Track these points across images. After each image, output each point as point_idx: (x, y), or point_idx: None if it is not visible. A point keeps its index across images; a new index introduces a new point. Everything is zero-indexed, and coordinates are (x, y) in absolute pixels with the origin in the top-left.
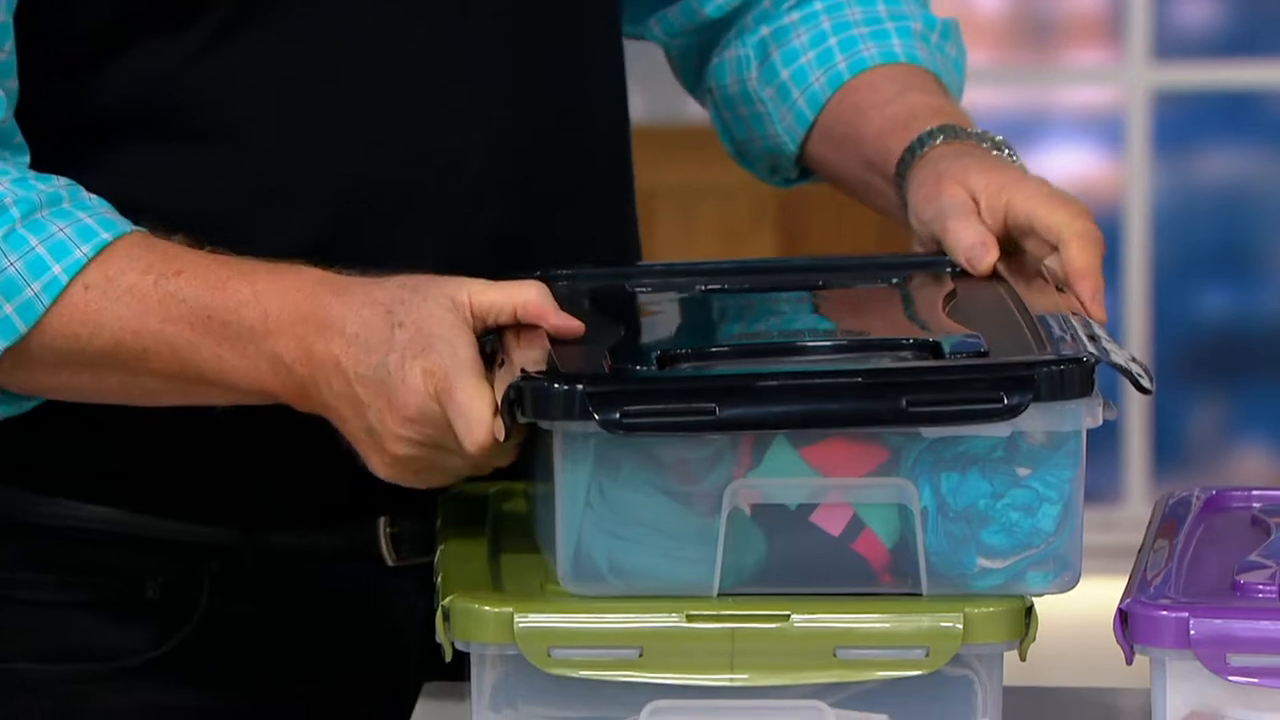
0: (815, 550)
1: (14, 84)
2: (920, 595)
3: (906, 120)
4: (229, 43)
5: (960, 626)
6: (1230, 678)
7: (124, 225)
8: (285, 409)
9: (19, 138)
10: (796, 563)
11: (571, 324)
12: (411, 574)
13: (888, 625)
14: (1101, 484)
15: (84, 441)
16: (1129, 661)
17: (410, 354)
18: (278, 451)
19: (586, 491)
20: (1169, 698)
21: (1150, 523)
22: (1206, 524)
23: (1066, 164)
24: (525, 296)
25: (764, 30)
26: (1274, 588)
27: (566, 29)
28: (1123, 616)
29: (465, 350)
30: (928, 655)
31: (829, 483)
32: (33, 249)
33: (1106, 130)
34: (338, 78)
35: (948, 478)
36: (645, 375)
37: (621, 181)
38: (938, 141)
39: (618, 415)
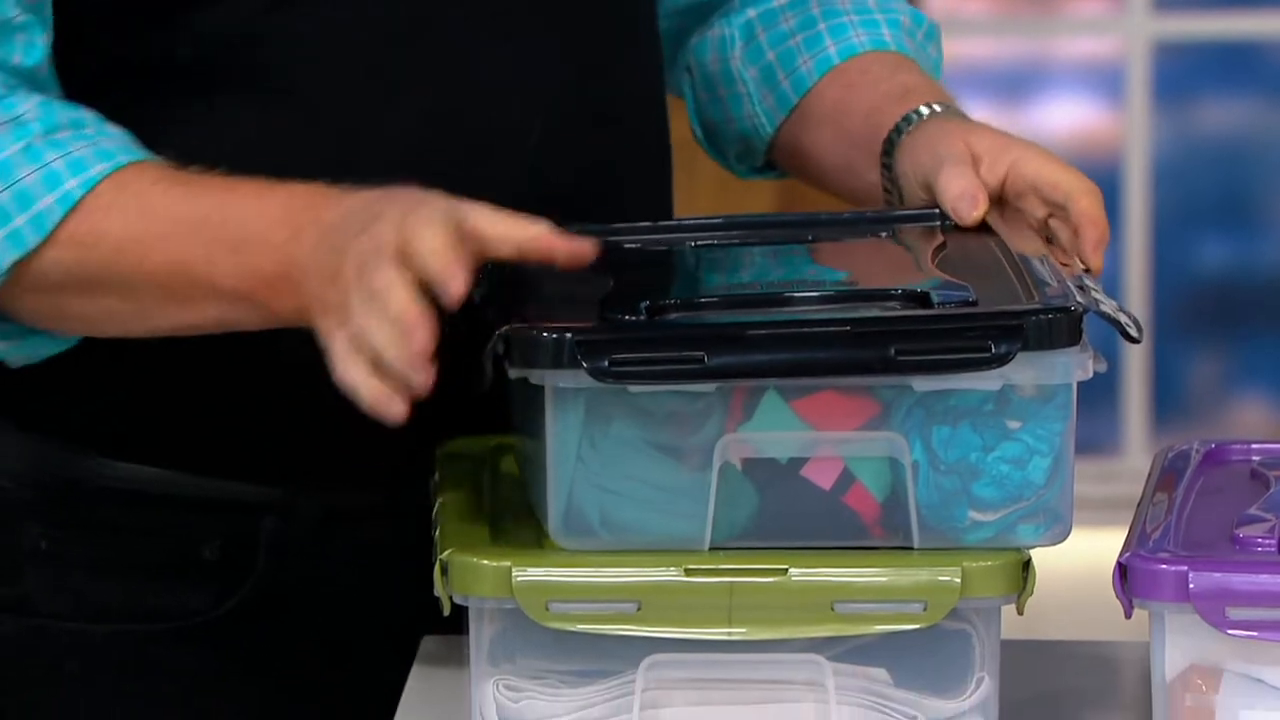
0: (806, 504)
1: (48, 37)
2: (913, 549)
3: (901, 95)
4: (297, 4)
5: (958, 580)
6: (1229, 631)
7: (144, 153)
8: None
9: (57, 91)
10: (788, 516)
11: (584, 246)
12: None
13: (885, 579)
14: (1101, 436)
15: (138, 403)
16: (1128, 615)
17: (396, 209)
18: (331, 410)
19: (577, 445)
20: (1168, 651)
21: (1149, 476)
22: (1205, 477)
23: (1066, 115)
24: (535, 231)
25: (751, 12)
26: (1273, 541)
27: (621, 13)
28: (1122, 570)
29: (442, 233)
30: (925, 609)
31: (820, 436)
32: (49, 164)
33: (1106, 81)
34: (406, 45)
35: (939, 431)
36: (634, 324)
37: (664, 162)
38: (937, 111)
39: (606, 363)
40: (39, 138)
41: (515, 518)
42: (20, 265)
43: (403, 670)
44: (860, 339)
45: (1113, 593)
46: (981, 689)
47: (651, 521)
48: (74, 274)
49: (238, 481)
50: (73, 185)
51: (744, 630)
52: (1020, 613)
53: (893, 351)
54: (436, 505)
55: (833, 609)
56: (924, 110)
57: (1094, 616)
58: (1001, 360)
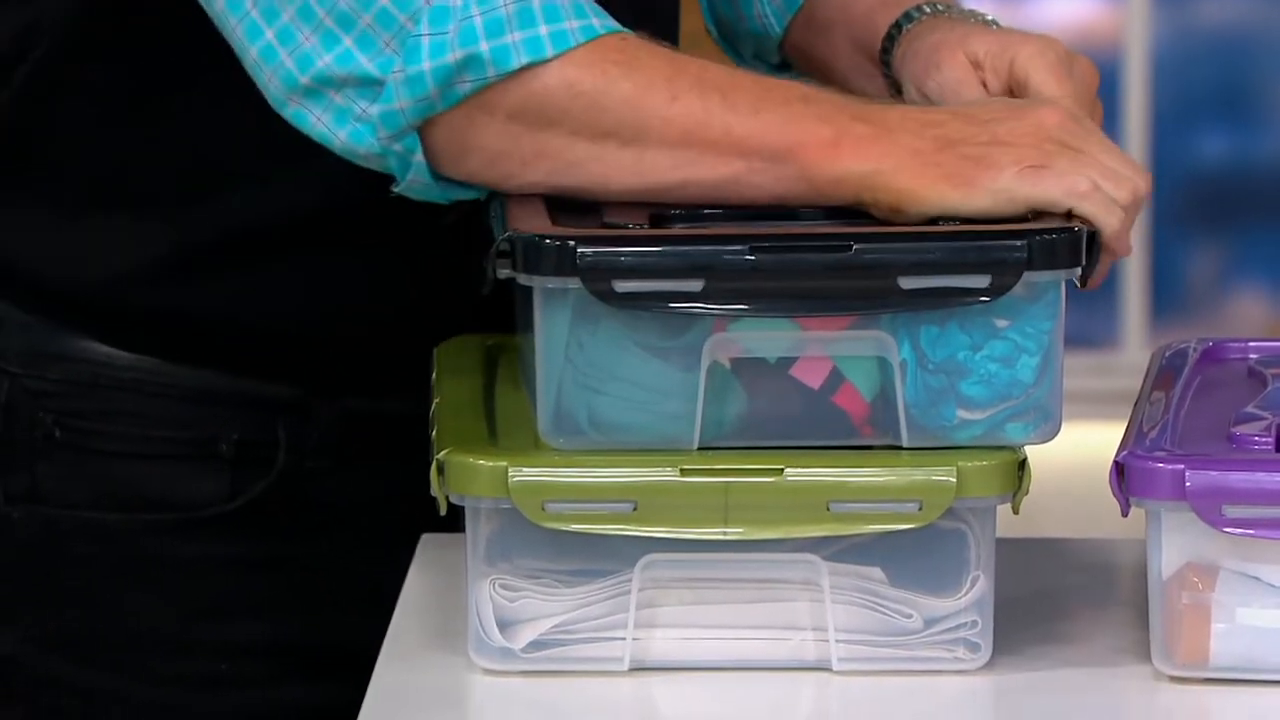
0: (795, 403)
1: None
2: (903, 449)
3: (890, 5)
4: None
5: (953, 480)
6: (1225, 529)
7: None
8: (368, 279)
9: None
10: (776, 416)
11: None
12: None
13: (881, 479)
14: (1099, 330)
15: (157, 300)
16: (1125, 514)
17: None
18: (352, 315)
19: (565, 346)
20: (1164, 550)
21: (1147, 374)
22: (1203, 376)
23: (1066, 8)
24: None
25: None
26: (1270, 439)
27: None
28: (1119, 469)
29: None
30: (920, 509)
31: (808, 336)
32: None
33: None
34: None
35: (926, 330)
36: (633, 238)
37: None
38: (924, 15)
39: (609, 286)
40: None
41: (512, 418)
42: (525, 78)
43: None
44: (864, 272)
45: (1110, 487)
46: (976, 588)
47: (639, 422)
48: (575, 106)
49: (256, 380)
50: (598, 24)
51: (740, 530)
52: (1015, 512)
53: (897, 283)
54: (434, 404)
55: (828, 509)
56: (916, 13)
57: (1091, 511)
58: (1001, 291)
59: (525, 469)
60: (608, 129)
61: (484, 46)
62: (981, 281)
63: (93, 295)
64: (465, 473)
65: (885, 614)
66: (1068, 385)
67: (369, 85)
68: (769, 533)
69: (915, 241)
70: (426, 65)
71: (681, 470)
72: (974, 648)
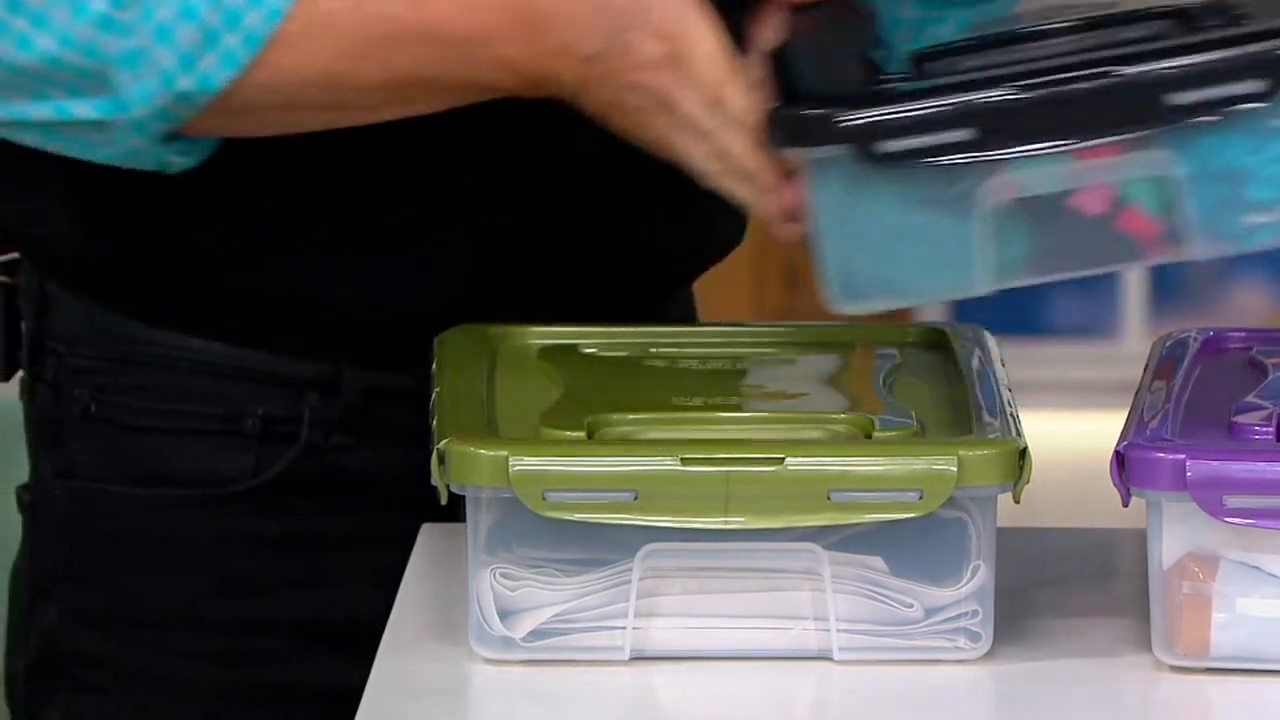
0: (1080, 233)
1: None
2: (924, 432)
3: None
4: None
5: (954, 469)
6: (1226, 519)
7: None
8: (388, 253)
9: None
10: (1062, 250)
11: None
12: None
13: (881, 468)
14: (1099, 319)
15: (186, 274)
16: (1125, 504)
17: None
18: (375, 290)
19: (840, 212)
20: (1165, 540)
21: (1147, 364)
22: (1203, 365)
23: None
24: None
25: None
26: (1270, 428)
27: None
28: (1119, 459)
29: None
30: (921, 498)
31: (1085, 165)
32: None
33: None
34: None
35: (1204, 142)
36: (898, 95)
37: None
38: None
39: (877, 148)
40: None
41: (514, 407)
42: (231, 86)
43: None
44: (1135, 92)
45: (1110, 477)
46: (977, 577)
47: (924, 276)
48: (272, 100)
49: (282, 355)
50: (275, 3)
51: (741, 519)
52: (1017, 501)
53: (1168, 100)
54: (434, 393)
55: (829, 498)
56: None
57: (1092, 501)
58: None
59: (526, 458)
60: (356, 54)
61: (185, 83)
62: (1258, 86)
63: (131, 272)
64: (465, 462)
65: (886, 603)
66: (1067, 376)
67: (93, 127)
68: (770, 522)
69: (1183, 55)
70: (139, 112)
71: (682, 459)
72: (975, 637)
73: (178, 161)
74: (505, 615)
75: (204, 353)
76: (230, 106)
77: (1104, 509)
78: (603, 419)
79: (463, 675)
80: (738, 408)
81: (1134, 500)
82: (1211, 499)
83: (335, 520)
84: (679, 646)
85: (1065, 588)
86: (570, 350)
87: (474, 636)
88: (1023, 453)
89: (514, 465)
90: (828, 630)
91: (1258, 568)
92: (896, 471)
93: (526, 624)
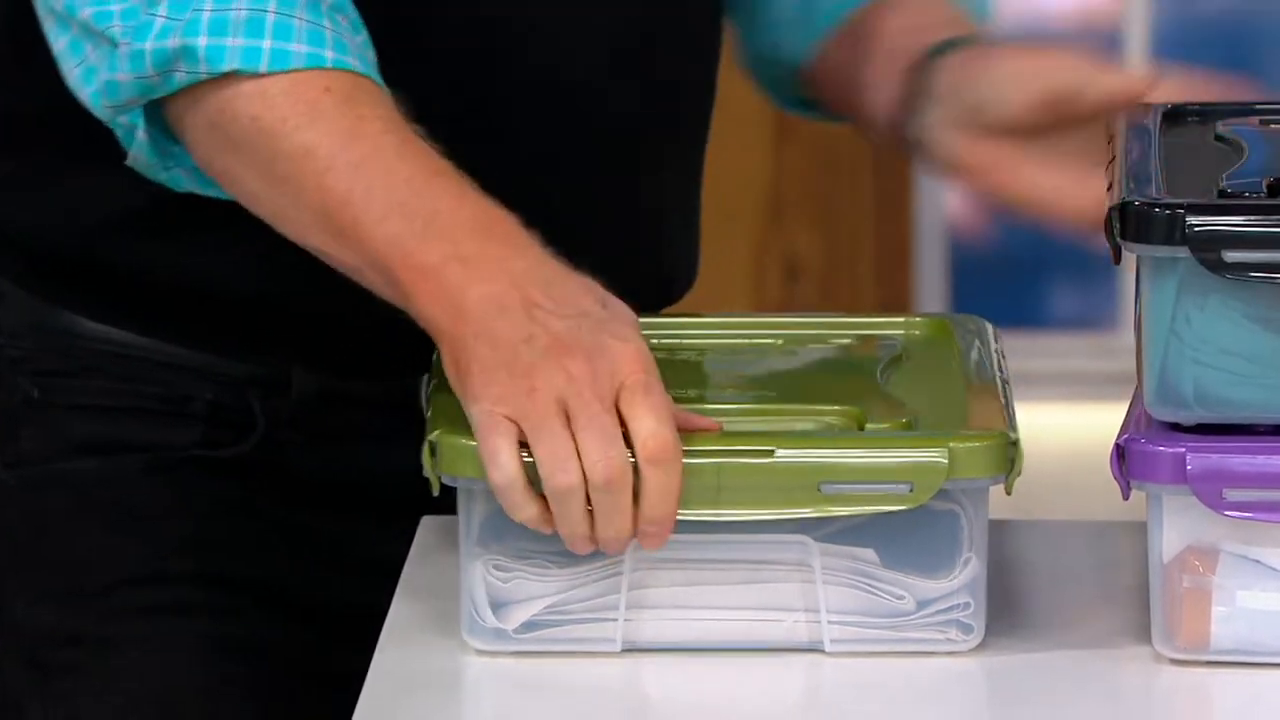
0: None
1: None
2: (916, 424)
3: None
4: None
5: (945, 461)
6: (1226, 512)
7: (372, 72)
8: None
9: None
10: None
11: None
12: None
13: (871, 460)
14: (1098, 312)
15: (130, 273)
16: (1126, 497)
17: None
18: (324, 291)
19: (1172, 318)
20: (1165, 533)
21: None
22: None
23: None
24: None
25: None
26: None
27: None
28: (1119, 452)
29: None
30: (911, 490)
31: None
32: (320, 25)
33: None
34: None
35: None
36: (1249, 207)
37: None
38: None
39: (1219, 256)
40: (326, 3)
41: None
42: (228, 89)
43: (393, 545)
44: None
45: (1110, 470)
46: (969, 569)
47: (1246, 396)
48: (256, 141)
49: (226, 356)
50: (330, 56)
51: (731, 510)
52: (1009, 493)
53: None
54: (431, 384)
55: (819, 490)
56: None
57: (1091, 494)
58: None
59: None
60: (277, 175)
61: (201, 41)
62: None
63: (70, 261)
64: (457, 453)
65: (878, 595)
66: (1066, 368)
67: (110, 48)
68: (761, 513)
69: None
70: (148, 45)
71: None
72: (967, 629)
73: (175, 177)
74: (497, 607)
75: (145, 349)
76: (209, 110)
77: (1104, 502)
78: None
79: (456, 667)
80: (733, 399)
81: (1134, 493)
82: (1211, 492)
83: (290, 507)
84: (670, 638)
85: (1065, 581)
86: None
87: (466, 628)
88: (1014, 445)
89: None
90: (819, 622)
91: (1258, 561)
92: (887, 464)
93: (518, 616)
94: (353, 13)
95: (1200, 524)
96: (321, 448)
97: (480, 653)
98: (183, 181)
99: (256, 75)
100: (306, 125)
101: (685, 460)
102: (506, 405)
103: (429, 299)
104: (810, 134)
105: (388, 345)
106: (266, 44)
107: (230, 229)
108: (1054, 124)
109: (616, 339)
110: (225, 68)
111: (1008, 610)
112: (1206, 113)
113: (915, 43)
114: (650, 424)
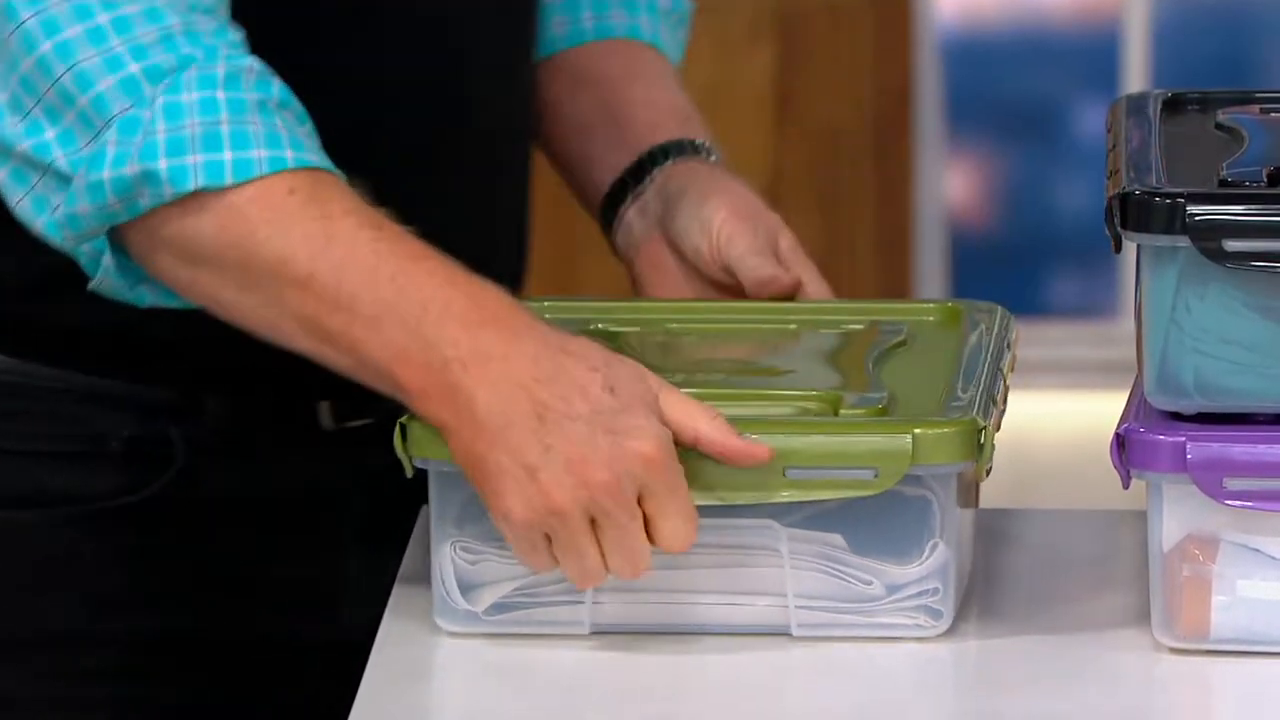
0: None
1: None
2: (892, 409)
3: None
4: None
5: (909, 447)
6: (1226, 501)
7: (327, 163)
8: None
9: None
10: None
11: (756, 450)
12: (348, 436)
13: (837, 445)
14: (1098, 300)
15: (37, 307)
16: (1126, 486)
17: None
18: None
19: (1172, 307)
20: (1165, 522)
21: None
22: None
23: None
24: (703, 427)
25: None
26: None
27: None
28: (1120, 441)
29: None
30: (876, 476)
31: None
32: (275, 127)
33: None
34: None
35: None
36: (1250, 196)
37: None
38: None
39: (1219, 245)
40: (273, 102)
41: None
42: (199, 204)
43: (321, 565)
44: None
45: (1110, 459)
46: (936, 555)
47: (1247, 385)
48: (225, 254)
49: (138, 383)
50: (290, 156)
51: (697, 495)
52: (980, 480)
53: None
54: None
55: (784, 474)
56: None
57: (1091, 483)
58: None
59: None
60: (252, 284)
61: (162, 164)
62: None
63: None
64: (426, 436)
65: (845, 580)
66: (1066, 356)
67: (61, 181)
68: (726, 498)
69: None
70: (106, 175)
71: None
72: (936, 615)
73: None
74: (466, 589)
75: (59, 380)
76: (168, 230)
77: (1104, 490)
78: None
79: (426, 648)
80: (717, 384)
81: (1134, 482)
82: (1212, 481)
83: (214, 537)
84: (638, 621)
85: (1065, 569)
86: (578, 326)
87: (437, 610)
88: (981, 431)
89: None
90: (786, 606)
91: (1258, 550)
92: (851, 449)
93: (487, 597)
94: (297, 105)
95: (1200, 513)
96: (238, 470)
97: (451, 635)
98: (147, 298)
99: (221, 190)
100: (278, 235)
101: None
102: (534, 527)
103: (436, 404)
104: (810, 120)
105: (295, 363)
106: (227, 155)
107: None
108: (726, 279)
109: (633, 438)
110: (190, 187)
111: (1010, 599)
112: (1207, 102)
113: (645, 132)
114: (673, 525)
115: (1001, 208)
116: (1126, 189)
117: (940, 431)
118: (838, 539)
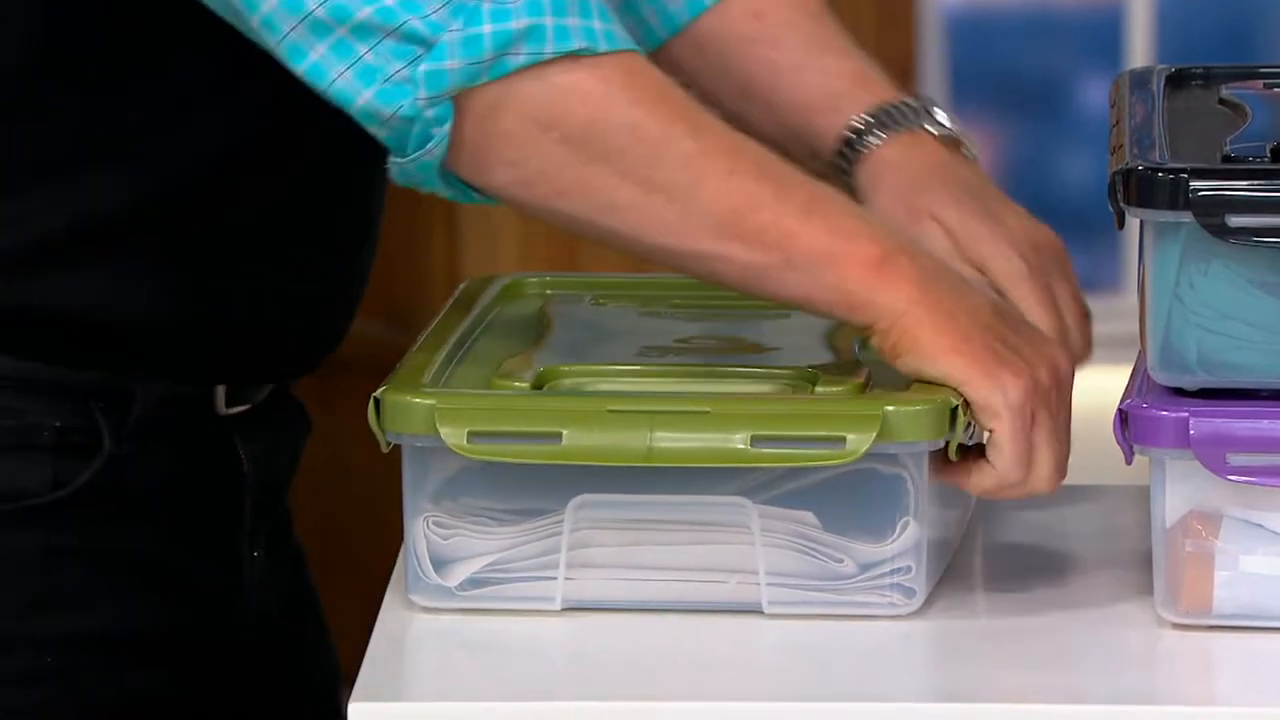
0: None
1: None
2: (869, 387)
3: (832, 99)
4: None
5: (878, 418)
6: (1229, 477)
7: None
8: (179, 269)
9: None
10: None
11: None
12: (239, 420)
13: (805, 414)
14: (1101, 273)
15: None
16: (1129, 461)
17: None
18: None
19: (1175, 282)
20: (1168, 497)
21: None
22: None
23: None
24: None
25: None
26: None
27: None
28: (1122, 417)
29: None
30: (845, 446)
31: None
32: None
33: None
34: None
35: None
36: (1254, 172)
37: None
38: (881, 140)
39: (1222, 221)
40: None
41: (480, 356)
42: (564, 83)
43: (233, 558)
44: None
45: (1113, 434)
46: (907, 533)
47: (1251, 361)
48: (635, 149)
49: (66, 368)
50: (624, 36)
51: (665, 462)
52: (952, 458)
53: None
54: (421, 337)
55: (751, 444)
56: (865, 136)
57: (1094, 458)
58: None
59: (454, 404)
60: (660, 183)
61: (549, 20)
62: None
63: None
64: (398, 410)
65: (817, 558)
66: None
67: (412, 44)
68: (693, 463)
69: None
70: (488, 28)
71: (609, 410)
72: (908, 593)
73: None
74: (440, 564)
75: None
76: (565, 124)
77: (1106, 466)
78: (554, 370)
79: (399, 623)
80: (701, 362)
81: (1137, 458)
82: (1215, 456)
83: (140, 530)
84: (610, 597)
85: (1067, 545)
86: (577, 301)
87: (410, 585)
88: (954, 409)
89: (441, 410)
90: (758, 584)
91: (1260, 525)
92: (819, 417)
93: (460, 572)
94: None
95: (1203, 488)
96: (158, 458)
97: (425, 610)
98: (443, 188)
99: (596, 54)
100: (689, 134)
101: (620, 410)
102: (1027, 404)
103: (891, 284)
104: None
105: (228, 347)
106: (597, 25)
107: (58, 257)
108: None
109: (1052, 348)
110: (572, 46)
111: (1013, 575)
112: (1210, 77)
113: (816, 129)
114: (1059, 454)
115: (1005, 183)
116: (1130, 164)
117: (911, 409)
118: (809, 516)
